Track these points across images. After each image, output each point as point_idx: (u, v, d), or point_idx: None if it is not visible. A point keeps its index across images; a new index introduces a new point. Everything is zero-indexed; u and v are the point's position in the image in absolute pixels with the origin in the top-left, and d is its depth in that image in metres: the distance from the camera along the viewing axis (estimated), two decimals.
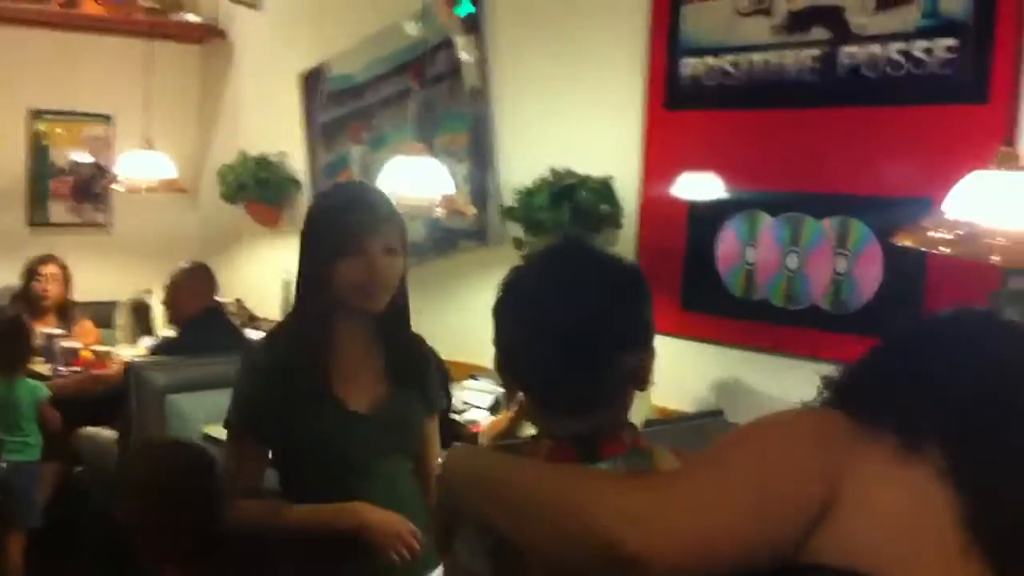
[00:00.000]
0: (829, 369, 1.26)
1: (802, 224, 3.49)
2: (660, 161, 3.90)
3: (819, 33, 3.43)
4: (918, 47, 3.20)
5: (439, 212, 4.28)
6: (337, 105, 5.46)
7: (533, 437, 1.51)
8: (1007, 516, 1.11)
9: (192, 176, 6.38)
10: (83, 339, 5.24)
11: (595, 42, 4.17)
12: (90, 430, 4.80)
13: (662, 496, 1.15)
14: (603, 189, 3.97)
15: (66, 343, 5.09)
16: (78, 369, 5.00)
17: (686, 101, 3.82)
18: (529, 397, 1.50)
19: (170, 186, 5.88)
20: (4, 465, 4.24)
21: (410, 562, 2.08)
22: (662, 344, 1.51)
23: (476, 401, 4.11)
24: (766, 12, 3.57)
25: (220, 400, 4.04)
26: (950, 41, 3.13)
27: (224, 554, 2.63)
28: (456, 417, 3.97)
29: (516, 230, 4.19)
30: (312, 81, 5.61)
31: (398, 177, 4.07)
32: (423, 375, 2.34)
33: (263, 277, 5.90)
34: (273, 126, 5.90)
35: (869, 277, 3.32)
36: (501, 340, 1.49)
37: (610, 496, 1.15)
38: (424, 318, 2.51)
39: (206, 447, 2.97)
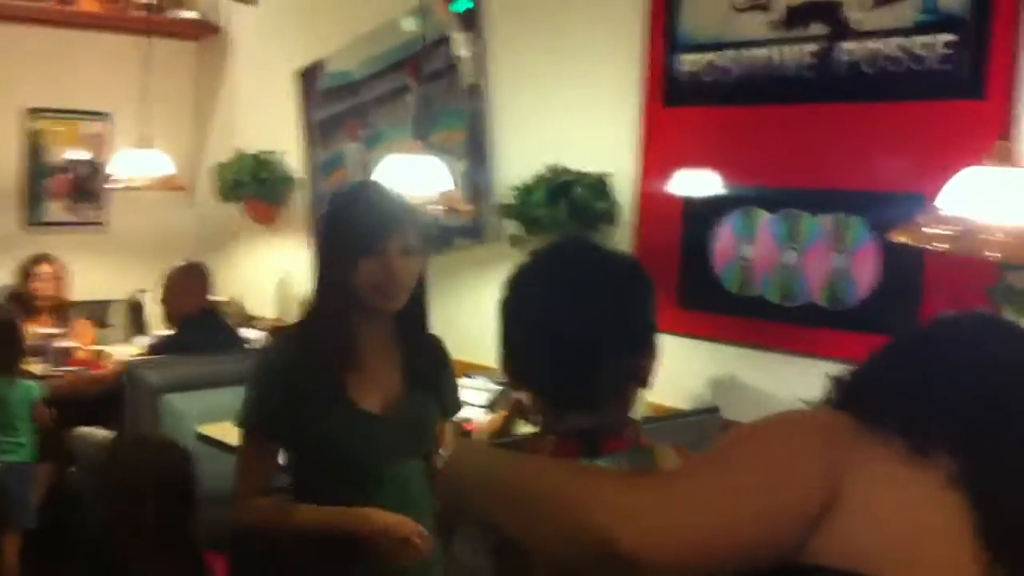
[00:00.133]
0: (826, 366, 1.26)
1: (799, 221, 3.48)
2: (657, 158, 3.89)
3: (817, 29, 3.42)
4: (916, 43, 3.18)
5: (435, 209, 4.27)
6: (333, 102, 5.45)
7: (536, 433, 1.52)
8: (1021, 524, 1.10)
9: (189, 174, 6.36)
10: (79, 339, 5.23)
11: (592, 38, 4.16)
12: (84, 430, 4.79)
13: (662, 495, 1.15)
14: (600, 186, 3.96)
15: (62, 343, 5.07)
16: (74, 369, 4.98)
17: (683, 97, 3.81)
18: (533, 394, 1.51)
19: (167, 184, 5.86)
20: None
21: (419, 563, 2.07)
22: (658, 341, 1.50)
23: (471, 399, 4.10)
24: (763, 8, 3.56)
25: (215, 399, 4.08)
26: (948, 37, 3.12)
27: (193, 555, 2.66)
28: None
29: (512, 227, 4.18)
30: (308, 78, 5.60)
31: (394, 174, 4.06)
32: (439, 377, 2.33)
33: (260, 276, 5.90)
34: (269, 123, 5.89)
35: (866, 274, 3.30)
36: (506, 338, 1.50)
37: (609, 494, 1.15)
38: None
39: (185, 448, 2.98)
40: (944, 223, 2.48)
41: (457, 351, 4.01)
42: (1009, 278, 2.88)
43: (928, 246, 2.54)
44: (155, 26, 6.19)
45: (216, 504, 3.80)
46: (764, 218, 3.57)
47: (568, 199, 3.93)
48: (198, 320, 4.63)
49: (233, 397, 3.95)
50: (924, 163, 3.11)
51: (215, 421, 3.82)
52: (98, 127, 6.31)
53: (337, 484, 2.15)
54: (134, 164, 5.70)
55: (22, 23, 5.96)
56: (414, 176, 4.11)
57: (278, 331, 2.69)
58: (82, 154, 6.30)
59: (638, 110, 3.94)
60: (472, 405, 4.08)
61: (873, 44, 3.28)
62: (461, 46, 4.69)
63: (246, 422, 2.22)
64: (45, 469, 4.54)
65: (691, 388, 3.71)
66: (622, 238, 3.93)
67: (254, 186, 5.71)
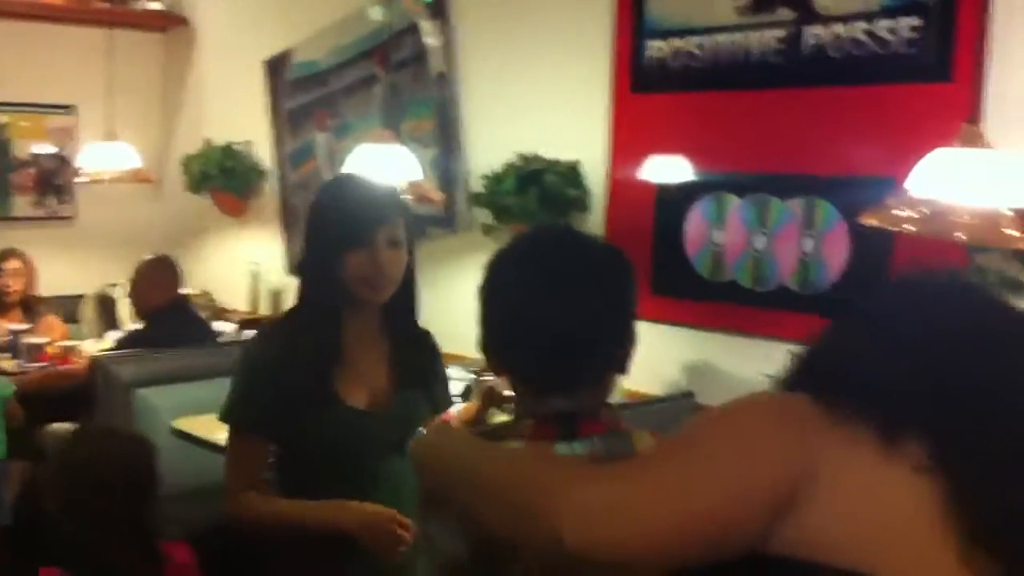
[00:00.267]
0: (799, 350, 1.25)
1: (769, 205, 3.50)
2: (626, 144, 3.90)
3: (784, 14, 3.43)
4: (881, 27, 3.20)
5: (407, 199, 4.25)
6: (302, 92, 5.42)
7: (515, 418, 1.53)
8: (1003, 507, 1.08)
9: (157, 166, 6.31)
10: (49, 334, 5.17)
11: (560, 25, 4.16)
12: (56, 427, 4.75)
13: (619, 489, 1.14)
14: (570, 173, 3.96)
15: (31, 339, 5.02)
16: (44, 365, 4.94)
17: (652, 84, 3.82)
18: (512, 377, 1.51)
19: (134, 177, 5.82)
20: None
21: (405, 552, 2.04)
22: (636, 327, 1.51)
23: None
24: None
25: (189, 393, 4.06)
26: (913, 20, 3.14)
27: (150, 545, 2.67)
28: None
29: (484, 216, 4.17)
30: (276, 68, 5.56)
31: (365, 165, 4.05)
32: (430, 373, 2.31)
33: (230, 268, 5.86)
34: (238, 114, 5.85)
35: (836, 257, 3.33)
36: (486, 321, 1.50)
37: (564, 488, 1.15)
38: None
39: (145, 438, 2.98)
40: (913, 206, 2.50)
41: None
42: (978, 259, 2.90)
43: (897, 228, 2.56)
44: (119, 17, 6.14)
45: (191, 498, 3.81)
46: (734, 203, 3.59)
47: (539, 187, 3.93)
48: (167, 314, 4.60)
49: (207, 391, 3.97)
50: (893, 146, 3.13)
51: (189, 415, 3.81)
52: (64, 120, 6.24)
53: (327, 481, 2.13)
54: (101, 157, 5.65)
55: None
56: (384, 166, 4.10)
57: (264, 324, 2.67)
58: (48, 148, 6.24)
59: (608, 97, 3.95)
60: None
61: (839, 28, 3.30)
62: (429, 34, 4.68)
63: (234, 418, 2.19)
64: (18, 467, 4.50)
65: (665, 374, 3.72)
66: (594, 225, 3.93)
67: (223, 178, 5.68)
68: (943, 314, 1.19)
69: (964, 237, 2.47)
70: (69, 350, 5.05)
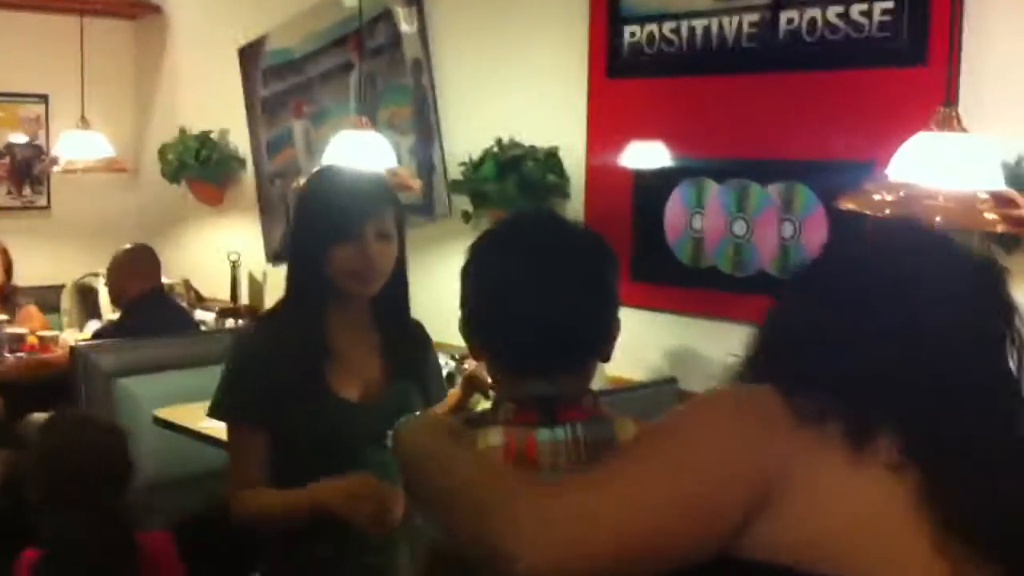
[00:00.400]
0: (760, 328, 1.24)
1: (748, 190, 3.51)
2: (604, 130, 3.90)
3: None
4: (855, 10, 3.22)
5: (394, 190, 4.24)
6: (277, 80, 5.40)
7: (494, 403, 1.53)
8: (978, 493, 1.08)
9: (131, 155, 6.28)
10: (28, 325, 5.14)
11: (536, 11, 4.15)
12: (37, 416, 4.73)
13: (578, 503, 1.13)
14: (549, 160, 3.96)
15: (10, 329, 5.00)
16: (24, 355, 4.92)
17: (628, 69, 3.82)
18: (493, 362, 1.52)
19: (109, 166, 5.79)
20: None
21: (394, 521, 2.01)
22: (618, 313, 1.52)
23: None
24: None
25: (170, 382, 4.05)
26: (887, 3, 3.16)
27: (125, 532, 2.68)
28: None
29: (463, 203, 4.17)
30: (250, 56, 5.53)
31: (342, 152, 4.03)
32: (423, 365, 2.29)
33: (209, 257, 5.84)
34: (213, 102, 5.82)
35: (816, 241, 3.33)
36: (469, 305, 1.51)
37: (519, 507, 1.14)
38: None
39: (118, 426, 2.98)
40: (890, 189, 2.52)
41: None
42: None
43: (875, 212, 2.57)
44: (91, 5, 6.09)
45: (173, 487, 3.81)
46: (713, 189, 3.60)
47: (518, 173, 3.93)
48: (147, 303, 4.58)
49: (188, 380, 3.98)
50: (870, 131, 3.15)
51: (171, 404, 3.80)
52: (37, 110, 6.20)
53: (320, 474, 2.09)
54: (75, 146, 5.63)
55: None
56: (361, 153, 4.09)
57: (251, 321, 2.65)
58: (21, 137, 6.20)
59: (585, 83, 3.95)
60: None
61: (814, 12, 3.31)
62: (403, 21, 4.66)
63: (223, 409, 2.17)
64: (0, 456, 4.49)
65: (648, 360, 3.74)
66: (573, 212, 3.93)
67: (199, 167, 5.66)
68: (908, 290, 1.15)
69: (941, 221, 2.49)
70: (49, 340, 5.03)
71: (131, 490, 2.86)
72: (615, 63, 3.85)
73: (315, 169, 2.62)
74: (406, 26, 4.65)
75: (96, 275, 5.55)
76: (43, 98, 6.19)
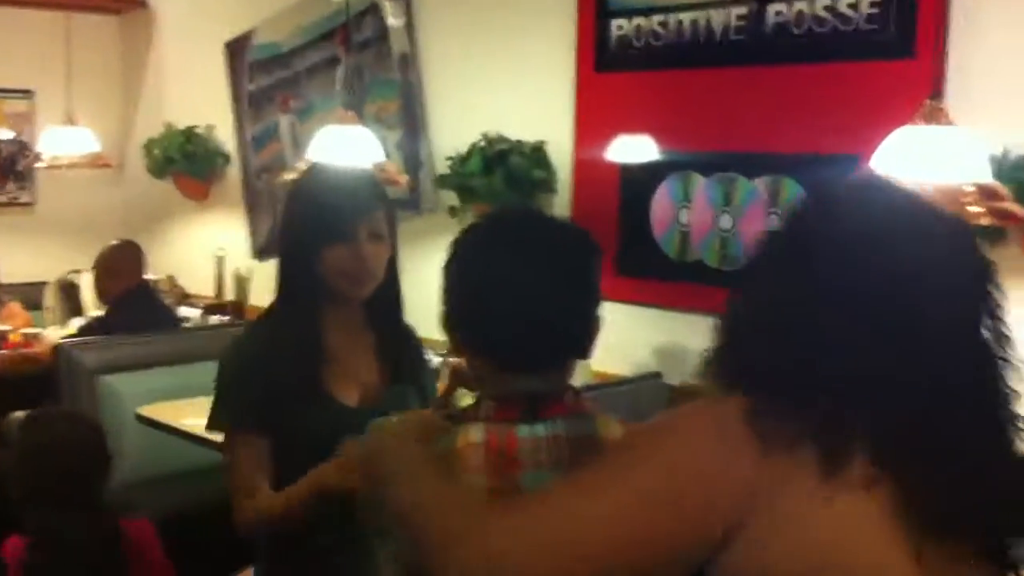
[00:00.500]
0: (721, 326, 1.22)
1: (735, 184, 3.50)
2: (592, 124, 3.89)
3: None
4: (843, 3, 3.21)
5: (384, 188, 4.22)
6: (263, 74, 5.37)
7: (476, 400, 1.52)
8: (954, 495, 1.06)
9: (117, 151, 6.25)
10: (11, 322, 5.12)
11: (524, 4, 4.14)
12: (20, 414, 4.70)
13: (536, 529, 1.12)
14: (536, 154, 3.95)
15: None
16: (7, 352, 4.89)
17: (616, 63, 3.81)
18: (475, 357, 1.51)
19: (94, 161, 5.76)
20: None
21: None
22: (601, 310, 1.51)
23: None
24: None
25: (154, 379, 4.03)
26: None
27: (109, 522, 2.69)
28: None
29: (450, 197, 4.16)
30: (237, 50, 5.51)
31: (328, 147, 4.01)
32: (418, 368, 2.26)
33: (194, 253, 5.82)
34: (199, 97, 5.80)
35: None
36: (451, 300, 1.50)
37: (475, 536, 1.14)
38: None
39: (95, 420, 2.97)
40: None
41: None
42: None
43: None
44: (75, 0, 6.05)
45: (157, 484, 3.79)
46: (700, 183, 3.59)
47: (505, 168, 3.92)
48: (131, 300, 4.55)
49: (172, 377, 3.96)
50: (857, 124, 3.14)
51: (154, 402, 3.77)
52: (22, 105, 6.17)
53: None
54: (60, 142, 5.60)
55: None
56: (348, 148, 4.07)
57: (242, 327, 2.61)
58: (6, 133, 6.16)
59: (572, 77, 3.93)
60: None
61: (801, 5, 3.30)
62: (390, 15, 4.64)
63: (231, 422, 2.09)
64: None
65: (634, 355, 3.73)
66: (560, 206, 3.93)
67: (185, 162, 5.63)
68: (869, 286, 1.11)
69: None
70: (32, 337, 5.00)
71: (114, 486, 2.86)
72: (603, 57, 3.84)
73: (304, 166, 2.58)
74: (393, 20, 4.63)
75: (79, 272, 5.53)
76: (28, 93, 6.16)
